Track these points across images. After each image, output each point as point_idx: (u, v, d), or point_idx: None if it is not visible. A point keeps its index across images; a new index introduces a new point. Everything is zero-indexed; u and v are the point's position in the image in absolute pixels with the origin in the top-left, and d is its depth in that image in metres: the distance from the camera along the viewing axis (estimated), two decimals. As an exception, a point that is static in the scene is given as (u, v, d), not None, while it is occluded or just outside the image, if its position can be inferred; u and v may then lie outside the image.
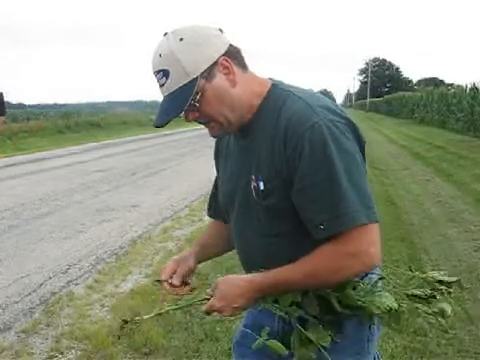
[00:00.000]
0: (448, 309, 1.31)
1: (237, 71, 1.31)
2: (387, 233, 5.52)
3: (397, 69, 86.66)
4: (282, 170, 1.28)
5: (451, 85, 29.65)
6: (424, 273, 1.37)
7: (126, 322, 1.41)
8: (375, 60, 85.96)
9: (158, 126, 1.32)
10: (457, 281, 1.35)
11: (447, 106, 22.17)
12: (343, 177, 1.22)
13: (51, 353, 3.27)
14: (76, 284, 4.48)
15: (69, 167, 12.44)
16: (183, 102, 1.26)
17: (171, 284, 1.53)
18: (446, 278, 1.34)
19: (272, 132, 1.30)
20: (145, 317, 1.44)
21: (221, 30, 1.33)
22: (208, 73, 1.27)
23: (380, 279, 1.36)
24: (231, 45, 1.32)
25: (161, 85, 1.29)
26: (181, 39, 1.26)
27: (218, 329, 3.44)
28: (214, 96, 1.28)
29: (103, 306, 4.00)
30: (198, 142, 18.42)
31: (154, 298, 4.03)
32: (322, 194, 1.24)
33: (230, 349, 2.81)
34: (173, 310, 1.49)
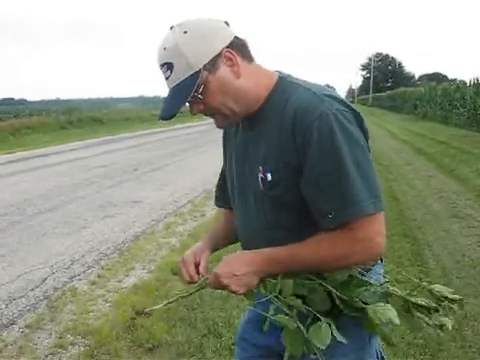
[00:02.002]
0: (449, 324, 1.30)
1: (242, 63, 1.31)
2: (390, 228, 5.51)
3: (399, 64, 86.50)
4: (291, 160, 1.28)
5: (454, 80, 29.55)
6: (431, 284, 1.36)
7: (138, 313, 1.41)
8: (378, 55, 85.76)
9: (163, 118, 1.31)
10: (459, 300, 1.34)
11: (450, 101, 22.10)
12: (352, 166, 1.23)
13: (54, 348, 3.28)
14: (79, 279, 4.50)
15: (72, 163, 12.46)
16: (186, 94, 1.26)
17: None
18: (450, 295, 1.34)
19: (280, 122, 1.30)
20: (156, 308, 1.43)
21: (227, 23, 1.33)
22: (212, 65, 1.27)
23: (386, 282, 1.35)
24: (236, 37, 1.32)
25: (166, 78, 1.30)
26: (185, 32, 1.26)
27: (221, 324, 3.45)
28: (218, 88, 1.29)
29: (106, 301, 4.01)
30: (200, 137, 18.44)
31: (157, 294, 4.04)
32: (331, 183, 1.24)
33: (233, 344, 2.82)
34: (183, 297, 1.45)
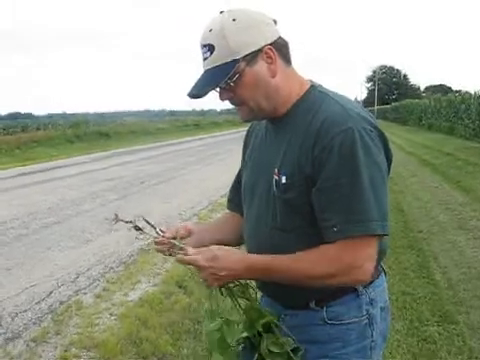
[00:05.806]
0: None
1: (280, 63, 1.34)
2: (396, 240, 5.50)
3: (405, 76, 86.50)
4: (306, 168, 1.29)
5: (459, 92, 29.55)
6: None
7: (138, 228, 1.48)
8: (382, 67, 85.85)
9: (192, 96, 1.34)
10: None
11: (455, 113, 22.10)
12: (367, 184, 1.24)
13: (60, 362, 3.28)
14: (85, 293, 4.50)
15: (78, 176, 12.51)
16: (220, 79, 1.29)
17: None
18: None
19: (304, 130, 1.32)
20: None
21: (275, 21, 1.36)
22: (251, 58, 1.30)
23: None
24: (280, 37, 1.35)
25: (204, 59, 1.32)
26: (234, 19, 1.29)
27: (226, 337, 3.44)
28: (251, 81, 1.31)
29: (112, 315, 4.01)
30: (205, 150, 18.46)
31: (162, 307, 4.04)
32: (343, 197, 1.25)
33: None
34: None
